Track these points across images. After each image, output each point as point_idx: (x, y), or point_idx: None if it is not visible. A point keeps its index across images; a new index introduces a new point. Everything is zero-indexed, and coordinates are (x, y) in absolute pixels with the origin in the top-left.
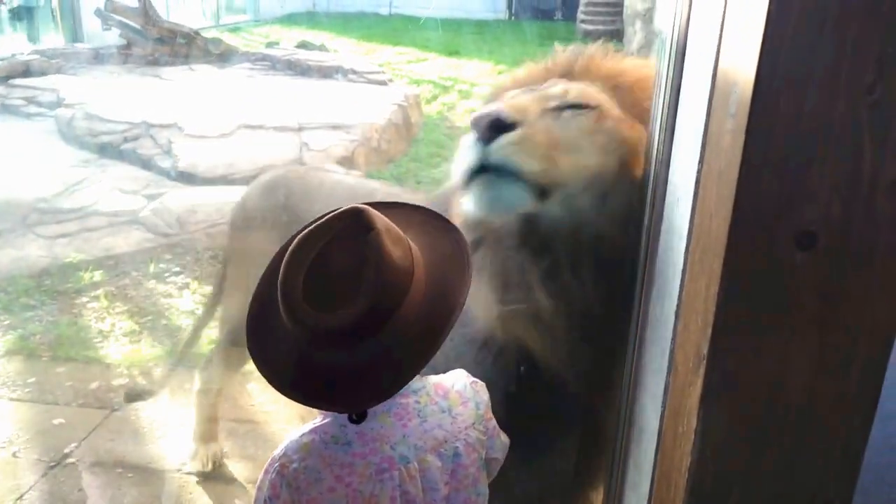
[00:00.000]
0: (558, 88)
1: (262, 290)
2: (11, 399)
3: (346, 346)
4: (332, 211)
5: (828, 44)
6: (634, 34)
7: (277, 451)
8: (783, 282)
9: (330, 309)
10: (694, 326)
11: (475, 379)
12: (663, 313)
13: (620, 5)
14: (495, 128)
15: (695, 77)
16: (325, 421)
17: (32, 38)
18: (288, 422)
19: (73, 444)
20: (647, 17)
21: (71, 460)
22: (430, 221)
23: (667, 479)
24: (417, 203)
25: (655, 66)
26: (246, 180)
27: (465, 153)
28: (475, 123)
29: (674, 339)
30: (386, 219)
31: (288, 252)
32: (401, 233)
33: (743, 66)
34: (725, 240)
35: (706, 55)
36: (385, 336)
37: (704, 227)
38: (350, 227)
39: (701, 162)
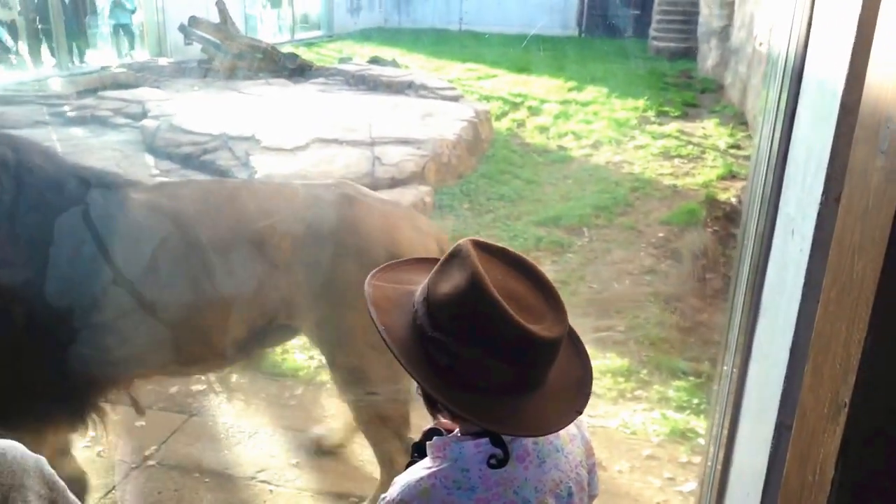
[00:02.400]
0: None
1: (405, 324)
2: None
3: (553, 358)
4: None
5: None
6: (709, 52)
7: (392, 496)
8: None
9: (540, 322)
10: (830, 371)
11: None
12: (773, 351)
13: (694, 22)
14: None
15: (814, 104)
16: (443, 466)
17: (121, 53)
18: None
19: (153, 447)
20: (724, 34)
21: (151, 463)
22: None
23: None
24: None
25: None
26: None
27: None
28: None
29: (791, 379)
30: None
31: (474, 285)
32: None
33: None
34: (875, 285)
35: (831, 81)
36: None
37: (845, 267)
38: (488, 255)
39: (825, 194)
